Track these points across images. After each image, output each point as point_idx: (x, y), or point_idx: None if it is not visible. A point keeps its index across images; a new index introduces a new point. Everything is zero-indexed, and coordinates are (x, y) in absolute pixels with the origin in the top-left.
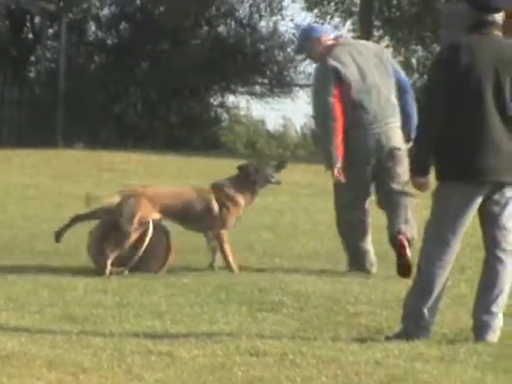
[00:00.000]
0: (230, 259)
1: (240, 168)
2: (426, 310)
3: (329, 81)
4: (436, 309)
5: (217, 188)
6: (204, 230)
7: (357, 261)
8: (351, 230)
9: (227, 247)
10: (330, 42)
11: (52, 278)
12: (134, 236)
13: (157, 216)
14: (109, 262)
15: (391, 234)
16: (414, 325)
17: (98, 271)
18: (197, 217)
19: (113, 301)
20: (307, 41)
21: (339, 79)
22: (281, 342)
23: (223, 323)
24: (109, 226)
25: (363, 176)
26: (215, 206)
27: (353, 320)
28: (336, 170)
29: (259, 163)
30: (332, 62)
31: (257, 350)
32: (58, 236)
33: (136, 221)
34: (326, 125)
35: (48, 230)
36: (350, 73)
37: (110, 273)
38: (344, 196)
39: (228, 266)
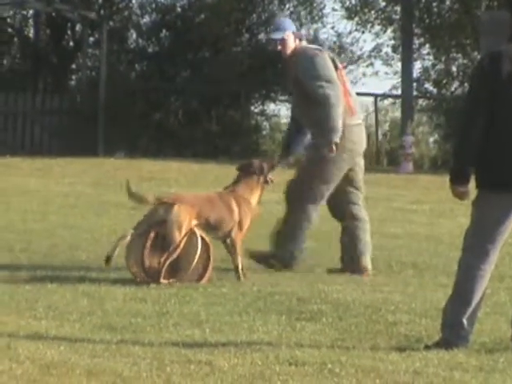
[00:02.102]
0: (239, 265)
1: (243, 166)
2: (465, 320)
3: (332, 69)
4: (475, 318)
5: (232, 191)
6: (224, 236)
7: (291, 256)
8: (308, 225)
9: (239, 253)
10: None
11: (91, 287)
12: (181, 244)
13: (196, 223)
14: (163, 271)
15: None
16: (453, 334)
17: (153, 279)
18: (220, 221)
19: (152, 310)
20: (287, 30)
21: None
22: (320, 352)
23: (262, 332)
24: (151, 235)
25: (344, 166)
26: (236, 209)
27: (392, 329)
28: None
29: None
30: (328, 53)
31: (296, 359)
32: (109, 260)
33: (184, 229)
34: (338, 98)
35: (88, 239)
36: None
37: (166, 280)
38: (326, 186)
39: (235, 272)
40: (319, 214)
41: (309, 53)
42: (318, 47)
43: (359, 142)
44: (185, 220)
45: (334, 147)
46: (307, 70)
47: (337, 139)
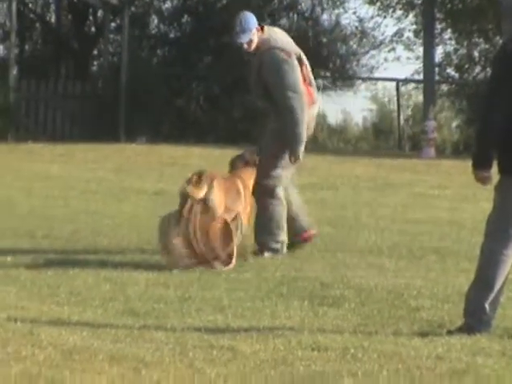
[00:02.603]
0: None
1: (237, 159)
2: (487, 305)
3: (298, 76)
4: (497, 303)
5: (238, 176)
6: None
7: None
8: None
9: (242, 234)
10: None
11: (113, 273)
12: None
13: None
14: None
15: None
16: (475, 319)
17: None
18: (232, 202)
19: (174, 295)
20: (252, 29)
21: (299, 60)
22: (342, 337)
23: (285, 318)
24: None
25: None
26: (242, 193)
27: (414, 314)
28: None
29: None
30: (294, 52)
31: (318, 344)
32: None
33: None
34: (303, 109)
35: (109, 224)
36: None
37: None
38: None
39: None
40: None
41: (277, 57)
42: (285, 48)
43: (310, 128)
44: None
45: (300, 157)
46: (274, 77)
47: (301, 151)
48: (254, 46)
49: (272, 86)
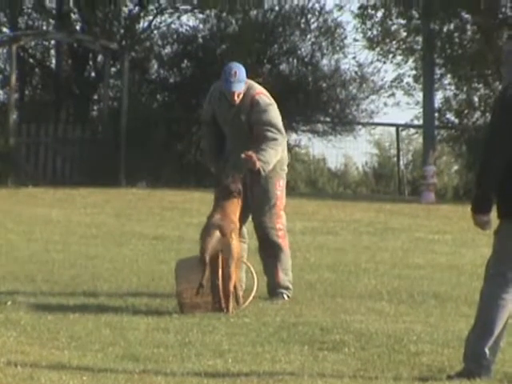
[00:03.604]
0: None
1: (223, 191)
2: (487, 350)
3: (280, 119)
4: (497, 347)
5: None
6: None
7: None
8: None
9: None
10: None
11: (114, 317)
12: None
13: None
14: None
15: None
16: (475, 364)
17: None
18: None
19: (174, 340)
20: (245, 79)
21: None
22: (342, 382)
23: (285, 362)
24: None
25: None
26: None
27: (414, 359)
28: None
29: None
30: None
31: None
32: (201, 287)
33: None
34: (279, 152)
35: (110, 269)
36: None
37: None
38: None
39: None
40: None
41: (265, 101)
42: (267, 94)
43: None
44: None
45: (262, 170)
46: (263, 117)
47: (263, 173)
48: (241, 96)
49: (260, 124)
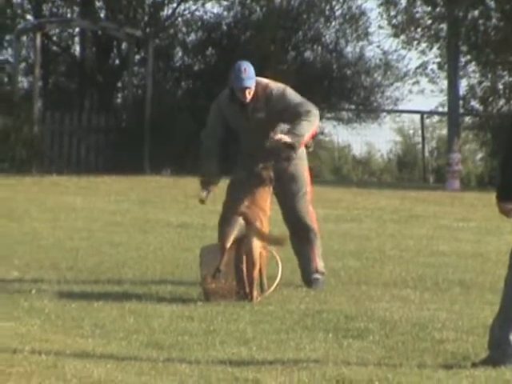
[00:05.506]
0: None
1: (257, 178)
2: (511, 337)
3: None
4: None
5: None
6: None
7: None
8: None
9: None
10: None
11: (138, 305)
12: None
13: None
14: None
15: None
16: (500, 352)
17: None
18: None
19: (199, 328)
20: (254, 76)
21: None
22: (367, 369)
23: (309, 350)
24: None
25: None
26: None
27: (439, 347)
28: None
29: None
30: None
31: (343, 376)
32: (217, 271)
33: None
34: (316, 123)
35: (134, 257)
36: None
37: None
38: None
39: None
40: None
41: (278, 88)
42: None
43: None
44: None
45: (295, 145)
46: (286, 101)
47: (298, 146)
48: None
49: (287, 107)
